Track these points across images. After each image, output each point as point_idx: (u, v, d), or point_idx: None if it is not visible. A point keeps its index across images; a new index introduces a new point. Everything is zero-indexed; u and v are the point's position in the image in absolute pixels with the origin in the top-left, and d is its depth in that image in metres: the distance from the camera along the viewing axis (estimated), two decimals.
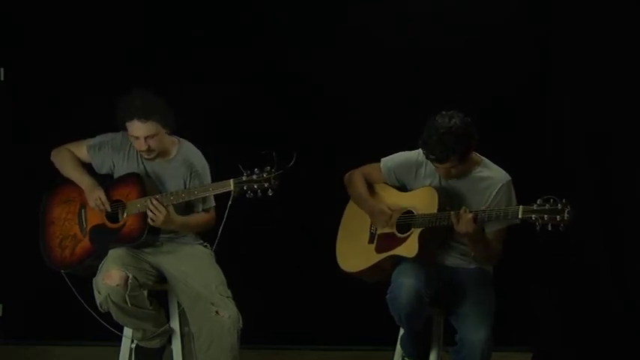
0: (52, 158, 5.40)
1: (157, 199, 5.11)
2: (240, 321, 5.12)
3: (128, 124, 5.17)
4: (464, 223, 4.84)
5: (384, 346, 5.55)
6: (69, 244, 5.29)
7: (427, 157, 4.95)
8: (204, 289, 5.14)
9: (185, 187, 5.25)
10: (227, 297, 5.14)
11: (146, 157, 5.25)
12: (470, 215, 4.83)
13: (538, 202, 4.69)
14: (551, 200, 4.66)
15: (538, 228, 4.68)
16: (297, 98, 6.28)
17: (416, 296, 4.83)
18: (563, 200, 4.65)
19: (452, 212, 4.86)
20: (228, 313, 5.09)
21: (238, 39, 6.30)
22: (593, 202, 6.04)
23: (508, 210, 4.82)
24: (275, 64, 6.29)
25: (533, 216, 4.69)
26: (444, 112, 4.92)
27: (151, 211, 5.10)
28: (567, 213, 4.63)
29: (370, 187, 5.25)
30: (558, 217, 4.64)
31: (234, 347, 5.10)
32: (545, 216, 4.66)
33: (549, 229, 4.67)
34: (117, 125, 5.26)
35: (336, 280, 5.37)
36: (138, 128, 5.15)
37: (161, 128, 5.19)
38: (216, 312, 5.09)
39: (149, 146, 5.18)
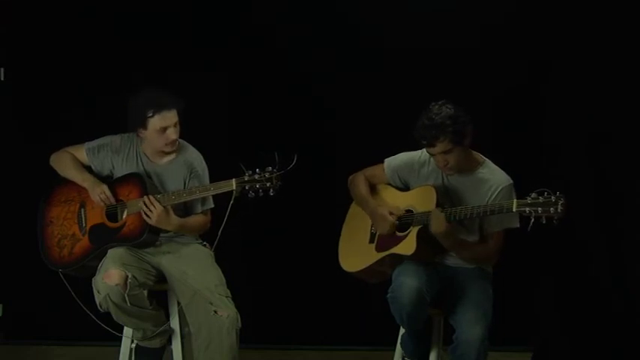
0: (51, 162, 5.39)
1: (152, 196, 5.11)
2: (239, 321, 5.11)
3: (155, 118, 5.15)
4: (435, 222, 4.86)
5: (384, 346, 5.55)
6: (67, 244, 5.29)
7: (421, 144, 4.94)
8: (203, 289, 5.13)
9: (185, 188, 5.25)
10: (226, 297, 5.14)
11: (170, 150, 5.24)
12: (442, 214, 4.85)
13: (532, 196, 4.71)
14: (545, 193, 4.68)
15: (532, 221, 4.69)
16: (297, 98, 6.28)
17: (417, 296, 4.84)
18: (557, 193, 4.66)
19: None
20: (227, 312, 5.09)
21: (238, 40, 6.30)
22: (592, 202, 6.05)
23: (502, 205, 4.82)
24: (275, 64, 6.29)
25: (527, 209, 4.70)
26: (433, 103, 4.95)
27: (146, 206, 5.10)
28: (561, 205, 4.65)
29: (372, 188, 5.26)
30: (552, 209, 4.65)
31: (233, 347, 5.10)
32: (539, 209, 4.67)
33: (543, 222, 4.68)
34: (119, 124, 5.27)
35: (336, 280, 5.38)
36: (166, 118, 5.15)
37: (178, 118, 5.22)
38: (215, 312, 5.09)
39: (177, 133, 5.19)
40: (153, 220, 5.12)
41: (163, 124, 5.16)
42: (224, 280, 5.22)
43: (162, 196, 5.17)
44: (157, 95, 5.17)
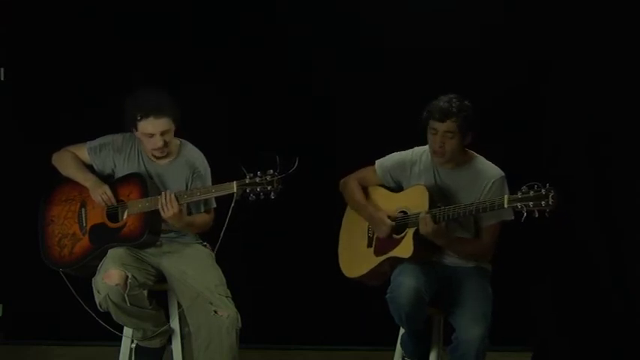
0: (53, 162, 5.39)
1: (172, 195, 5.10)
2: (239, 321, 5.11)
3: (142, 123, 5.14)
4: (422, 224, 4.88)
5: (384, 346, 5.55)
6: (68, 243, 5.29)
7: (429, 120, 4.97)
8: (203, 289, 5.13)
9: (187, 188, 5.25)
10: (226, 297, 5.14)
11: (159, 155, 5.23)
12: (427, 215, 4.88)
13: (522, 190, 4.73)
14: (535, 186, 4.69)
15: (524, 215, 4.70)
16: (297, 98, 6.28)
17: (416, 296, 4.84)
18: (547, 185, 4.67)
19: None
20: (227, 312, 5.09)
21: (238, 40, 6.30)
22: (592, 202, 6.05)
23: (494, 201, 4.84)
24: (275, 64, 6.29)
25: (519, 204, 4.72)
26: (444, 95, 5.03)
27: (164, 203, 5.09)
28: (552, 198, 4.66)
29: (364, 190, 5.26)
30: (543, 202, 4.67)
31: (232, 347, 5.10)
32: (531, 203, 4.69)
33: (536, 215, 4.69)
34: (119, 124, 5.27)
35: (336, 280, 5.37)
36: (153, 125, 5.14)
37: (172, 124, 5.19)
38: (215, 312, 5.09)
39: (165, 142, 5.17)
40: (167, 216, 5.12)
41: (149, 130, 5.15)
42: (224, 280, 5.21)
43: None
44: (149, 99, 5.15)
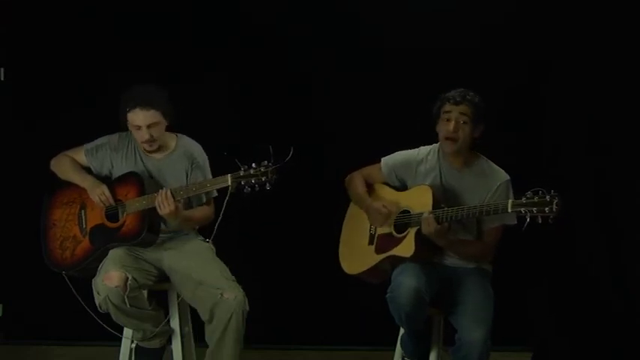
0: (51, 167, 5.40)
1: (169, 192, 5.09)
2: (247, 303, 5.08)
3: (130, 115, 5.16)
4: (425, 224, 4.88)
5: (384, 346, 5.55)
6: (69, 245, 5.29)
7: (443, 106, 5.00)
8: (208, 277, 5.11)
9: (186, 179, 5.25)
10: (232, 280, 5.13)
11: (147, 149, 5.24)
12: (431, 215, 4.89)
13: (527, 195, 4.73)
14: (540, 192, 4.70)
15: (527, 221, 4.70)
16: (297, 98, 6.28)
17: (416, 296, 4.84)
18: (552, 192, 4.68)
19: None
20: (233, 294, 5.06)
21: (238, 40, 6.30)
22: (592, 202, 6.05)
23: (498, 205, 4.84)
24: (275, 63, 6.29)
25: (523, 209, 4.72)
26: None
27: (160, 201, 5.08)
28: (556, 204, 4.67)
29: (369, 187, 5.27)
30: (547, 209, 4.67)
31: (239, 329, 5.07)
32: (534, 209, 4.69)
33: (539, 221, 4.69)
34: (118, 123, 5.27)
35: (336, 280, 5.38)
36: (139, 117, 5.14)
37: (162, 118, 5.19)
38: (222, 295, 5.07)
39: (151, 135, 5.17)
40: (163, 213, 5.12)
41: (136, 121, 5.16)
42: (228, 270, 5.20)
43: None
44: (139, 91, 5.17)
